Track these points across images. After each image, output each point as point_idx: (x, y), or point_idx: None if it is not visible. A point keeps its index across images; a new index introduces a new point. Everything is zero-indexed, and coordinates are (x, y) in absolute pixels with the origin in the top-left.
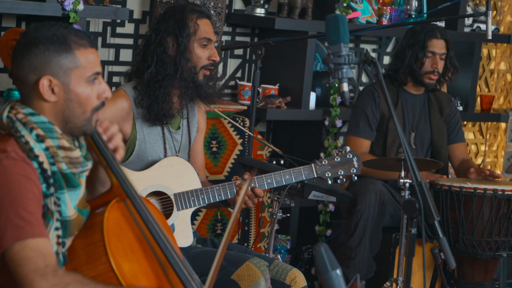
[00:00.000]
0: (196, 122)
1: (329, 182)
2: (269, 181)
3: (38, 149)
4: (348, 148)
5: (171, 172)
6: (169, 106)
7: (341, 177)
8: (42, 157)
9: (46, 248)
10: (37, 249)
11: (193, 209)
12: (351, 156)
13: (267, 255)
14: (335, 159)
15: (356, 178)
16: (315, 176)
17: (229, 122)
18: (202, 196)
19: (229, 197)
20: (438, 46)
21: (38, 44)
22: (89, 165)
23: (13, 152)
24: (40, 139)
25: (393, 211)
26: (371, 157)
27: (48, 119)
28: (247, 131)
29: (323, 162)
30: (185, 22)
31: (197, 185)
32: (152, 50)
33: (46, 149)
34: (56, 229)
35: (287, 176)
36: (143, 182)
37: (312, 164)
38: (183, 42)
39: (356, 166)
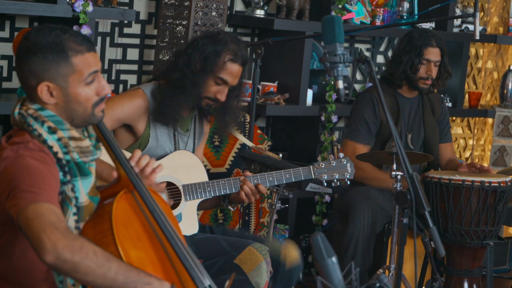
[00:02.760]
0: (203, 130)
1: (325, 184)
2: (270, 179)
3: (51, 140)
4: (342, 154)
5: (181, 165)
6: (177, 112)
7: (335, 180)
8: (56, 148)
9: (59, 212)
10: (50, 209)
11: (199, 200)
12: (345, 162)
13: (258, 234)
14: (331, 163)
15: (349, 182)
16: (313, 177)
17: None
18: (209, 188)
19: (233, 191)
20: (433, 54)
21: (37, 53)
22: (98, 153)
23: (31, 142)
24: (51, 131)
25: (385, 219)
26: (367, 164)
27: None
28: (250, 142)
29: (320, 165)
30: (217, 57)
31: (204, 178)
32: (185, 58)
33: (59, 139)
34: (74, 214)
35: (287, 176)
36: None
37: (311, 166)
38: (204, 69)
39: (349, 171)
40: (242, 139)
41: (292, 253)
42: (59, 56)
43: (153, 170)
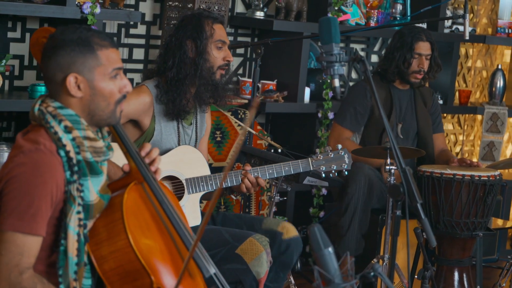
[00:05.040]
0: (205, 122)
1: (323, 175)
2: (270, 171)
3: (65, 139)
4: (340, 146)
5: (184, 159)
6: (186, 103)
7: (333, 171)
8: (69, 147)
9: (29, 248)
10: (21, 246)
11: (202, 193)
12: (343, 153)
13: (261, 214)
14: (329, 155)
15: (346, 173)
16: (311, 169)
17: (232, 114)
18: (211, 182)
19: (234, 184)
20: (424, 48)
21: (64, 46)
22: (111, 154)
23: (43, 145)
24: (67, 130)
25: (380, 193)
26: (352, 142)
27: (75, 112)
28: (252, 130)
29: (318, 157)
30: (202, 27)
31: (207, 172)
32: (172, 53)
33: (73, 139)
34: (78, 212)
35: (287, 168)
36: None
37: (309, 159)
38: (201, 44)
39: (347, 162)
40: (243, 125)
41: (289, 229)
42: (85, 49)
43: (157, 170)
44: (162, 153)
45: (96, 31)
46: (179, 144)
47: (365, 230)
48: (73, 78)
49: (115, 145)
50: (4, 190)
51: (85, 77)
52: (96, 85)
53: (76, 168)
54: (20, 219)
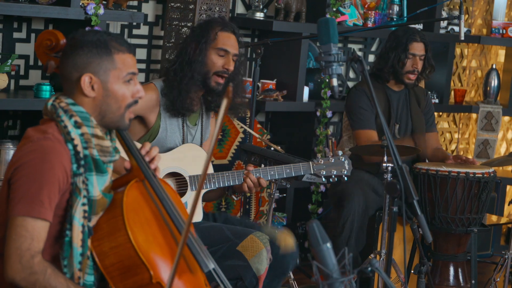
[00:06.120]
0: (209, 125)
1: (323, 180)
2: (272, 172)
3: (74, 133)
4: (340, 152)
5: (188, 157)
6: (191, 102)
7: (333, 176)
8: (77, 141)
9: (39, 232)
10: (31, 230)
11: (205, 190)
12: (343, 159)
13: (258, 222)
14: (330, 160)
15: (346, 179)
16: (312, 172)
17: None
18: (214, 180)
19: (237, 183)
20: (418, 48)
21: (83, 47)
22: (117, 156)
23: (51, 134)
24: (77, 125)
25: (376, 205)
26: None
27: (86, 111)
28: (253, 132)
29: (319, 161)
30: (208, 31)
31: (209, 170)
32: (179, 53)
33: (82, 134)
34: (83, 204)
35: (288, 170)
36: (162, 164)
37: (310, 162)
38: (200, 47)
39: (347, 168)
40: (247, 128)
41: (287, 241)
42: (102, 51)
43: (156, 168)
44: (167, 150)
45: (115, 36)
46: (183, 143)
47: (361, 247)
48: (88, 78)
49: (117, 144)
50: (14, 177)
51: (100, 78)
52: (109, 87)
53: (82, 162)
54: (30, 204)
